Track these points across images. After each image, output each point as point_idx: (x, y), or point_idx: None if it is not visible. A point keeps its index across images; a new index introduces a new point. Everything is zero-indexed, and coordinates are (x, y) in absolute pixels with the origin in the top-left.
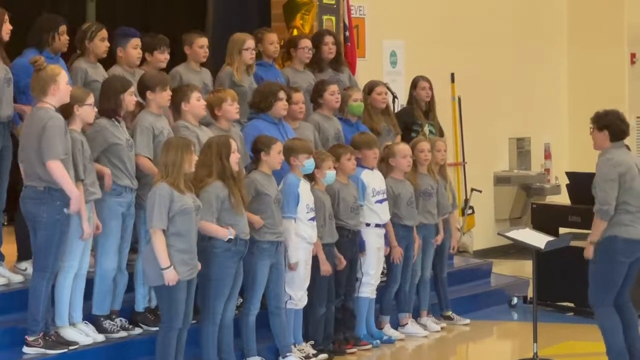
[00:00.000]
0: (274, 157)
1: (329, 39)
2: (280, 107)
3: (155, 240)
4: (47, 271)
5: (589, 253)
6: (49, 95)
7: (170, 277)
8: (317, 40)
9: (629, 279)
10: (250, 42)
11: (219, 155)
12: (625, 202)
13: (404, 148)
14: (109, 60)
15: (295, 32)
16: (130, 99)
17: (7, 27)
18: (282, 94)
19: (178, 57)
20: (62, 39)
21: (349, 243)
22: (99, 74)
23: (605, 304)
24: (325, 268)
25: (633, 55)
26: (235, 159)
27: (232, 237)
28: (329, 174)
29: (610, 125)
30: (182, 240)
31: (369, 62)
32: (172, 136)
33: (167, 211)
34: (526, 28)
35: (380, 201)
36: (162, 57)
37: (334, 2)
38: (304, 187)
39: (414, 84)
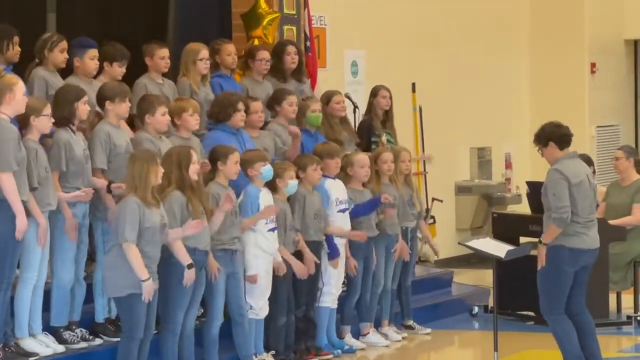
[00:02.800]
0: (231, 167)
1: (291, 49)
2: (239, 118)
3: (130, 255)
4: (3, 282)
5: (542, 257)
6: (3, 105)
7: (149, 289)
8: (279, 50)
9: (578, 287)
10: (204, 52)
11: (179, 165)
12: (573, 213)
13: (362, 158)
14: (66, 71)
15: (256, 42)
16: (84, 108)
17: None
18: (240, 105)
19: (139, 67)
20: (15, 49)
21: (312, 253)
22: (59, 83)
23: (555, 312)
24: (300, 271)
25: (593, 65)
26: (194, 170)
27: (192, 264)
28: (291, 184)
29: (551, 137)
30: (143, 252)
31: (330, 72)
32: (137, 149)
33: (138, 224)
34: (488, 38)
35: (342, 211)
36: (120, 70)
37: (294, 12)
38: (265, 197)
39: (374, 93)
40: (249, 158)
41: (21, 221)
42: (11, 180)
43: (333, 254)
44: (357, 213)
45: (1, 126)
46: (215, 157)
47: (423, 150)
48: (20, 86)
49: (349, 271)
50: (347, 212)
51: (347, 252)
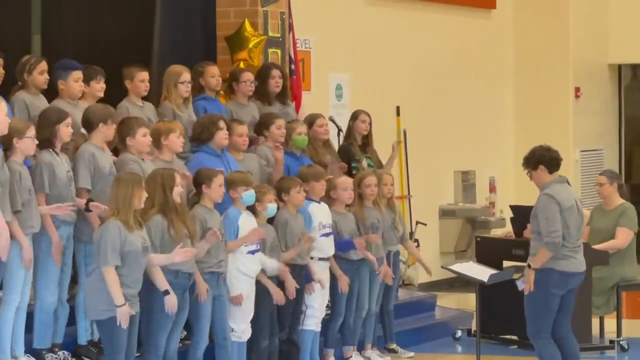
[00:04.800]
0: (215, 190)
1: (275, 73)
2: (222, 136)
3: (108, 278)
4: None
5: (530, 281)
6: None
7: (125, 314)
8: (264, 73)
9: (565, 310)
10: (185, 75)
11: (163, 187)
12: (564, 237)
13: (345, 181)
14: (52, 92)
15: (241, 65)
16: (65, 130)
17: None
18: (222, 124)
19: (123, 89)
20: None
21: (295, 275)
22: (42, 105)
23: (542, 335)
24: (277, 296)
25: (577, 90)
26: (178, 192)
27: (168, 291)
28: (270, 207)
29: (541, 160)
30: (125, 275)
31: (315, 95)
32: (123, 171)
33: (119, 248)
34: (472, 61)
35: (326, 234)
36: (99, 86)
37: (279, 35)
38: (245, 220)
39: (354, 117)
40: (233, 180)
41: (3, 239)
42: None
43: (348, 246)
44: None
45: None
46: (200, 180)
47: (407, 173)
48: (2, 107)
49: (342, 288)
50: (331, 236)
51: (338, 271)
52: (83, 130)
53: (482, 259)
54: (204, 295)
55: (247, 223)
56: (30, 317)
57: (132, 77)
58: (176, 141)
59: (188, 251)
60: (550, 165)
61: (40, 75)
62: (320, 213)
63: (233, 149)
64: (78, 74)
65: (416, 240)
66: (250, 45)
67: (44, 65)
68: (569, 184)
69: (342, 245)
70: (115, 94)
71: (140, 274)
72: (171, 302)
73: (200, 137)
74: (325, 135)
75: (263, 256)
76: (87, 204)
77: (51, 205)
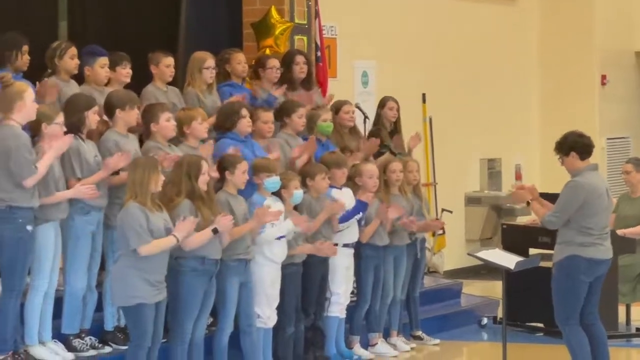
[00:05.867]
0: (239, 176)
1: (300, 59)
2: (244, 124)
3: (151, 249)
4: (15, 290)
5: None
6: (14, 112)
7: (182, 228)
8: (288, 60)
9: (593, 297)
10: (210, 61)
11: (188, 175)
12: (589, 227)
13: (370, 168)
14: (77, 79)
15: (267, 52)
16: (93, 117)
17: None
18: (244, 112)
19: (149, 75)
20: (24, 59)
21: (319, 262)
22: (72, 91)
23: (570, 322)
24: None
25: (604, 77)
26: (204, 180)
27: (217, 229)
28: (296, 194)
29: (573, 147)
30: (151, 262)
31: (341, 82)
32: (139, 156)
33: (146, 227)
34: (498, 49)
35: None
36: (125, 72)
37: (305, 22)
38: (271, 206)
39: (382, 104)
40: (257, 166)
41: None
42: (34, 178)
43: (361, 208)
44: (345, 218)
45: (12, 133)
46: (224, 166)
47: (433, 161)
48: (29, 93)
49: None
50: (354, 222)
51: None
52: (104, 117)
53: (508, 247)
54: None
55: (272, 209)
56: (59, 302)
57: (158, 63)
58: (199, 127)
59: (187, 222)
60: (583, 152)
61: (71, 60)
62: (344, 199)
63: (258, 136)
64: (104, 60)
65: (442, 228)
66: (277, 32)
67: (74, 50)
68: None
69: (357, 208)
70: (140, 80)
71: (166, 259)
72: (225, 225)
73: (223, 125)
74: (351, 122)
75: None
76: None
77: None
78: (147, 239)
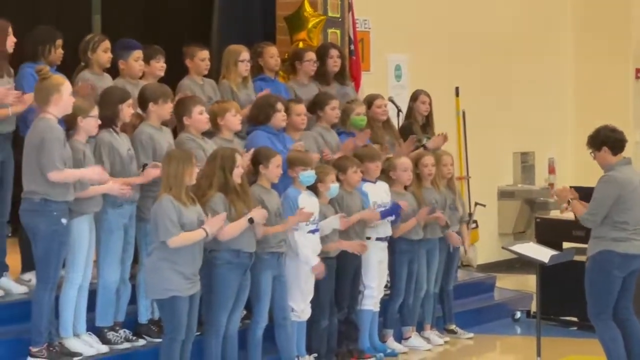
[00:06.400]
0: (273, 170)
1: (334, 52)
2: (279, 118)
3: (181, 241)
4: (49, 282)
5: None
6: (51, 105)
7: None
8: (322, 53)
9: (627, 292)
10: (245, 54)
11: (222, 168)
12: (623, 221)
13: (404, 161)
14: (113, 71)
15: (300, 45)
16: (127, 110)
17: (11, 40)
18: (279, 106)
19: (183, 69)
20: (58, 53)
21: (352, 256)
22: (106, 84)
23: (602, 317)
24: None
25: (638, 71)
26: (238, 173)
27: (252, 219)
28: (333, 187)
29: (605, 142)
30: (184, 255)
31: (374, 76)
32: (173, 148)
33: (177, 220)
34: (531, 42)
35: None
36: (159, 65)
37: (339, 15)
38: (305, 199)
39: (414, 98)
40: (292, 159)
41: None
42: (60, 174)
43: (393, 210)
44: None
45: (48, 126)
46: (258, 160)
47: (466, 154)
48: (66, 86)
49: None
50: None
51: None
52: (139, 110)
53: (542, 240)
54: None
55: (306, 203)
56: (93, 295)
57: (193, 56)
58: (233, 120)
59: (217, 218)
60: (614, 147)
61: (104, 53)
62: (375, 193)
63: (292, 129)
64: (138, 54)
65: (475, 222)
66: (310, 25)
67: (107, 43)
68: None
69: (390, 210)
70: (173, 74)
71: (199, 251)
72: (260, 216)
73: (257, 118)
74: (384, 116)
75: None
76: (142, 169)
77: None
78: (176, 232)
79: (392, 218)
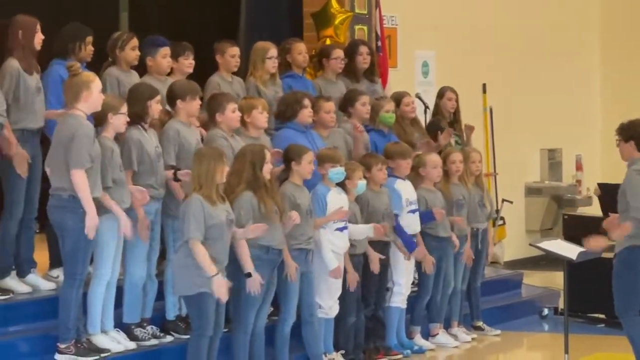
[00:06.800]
0: (305, 166)
1: (363, 49)
2: (306, 114)
3: (196, 252)
4: (76, 279)
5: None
6: (80, 102)
7: (220, 283)
8: (351, 50)
9: None
10: (272, 51)
11: (252, 164)
12: None
13: (434, 158)
14: (141, 69)
15: (327, 42)
16: (156, 106)
17: (39, 37)
18: (306, 102)
19: (209, 66)
20: (88, 50)
21: (379, 252)
22: (133, 81)
23: (630, 313)
24: (352, 278)
25: None
26: (268, 169)
27: (250, 274)
28: (360, 184)
29: (634, 136)
30: (212, 251)
31: (401, 73)
32: (204, 146)
33: (203, 221)
34: (559, 39)
35: (412, 211)
36: (187, 62)
37: (366, 12)
38: (334, 196)
39: (441, 95)
40: (321, 156)
41: (91, 218)
42: (83, 178)
43: (410, 247)
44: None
45: (77, 123)
46: (290, 156)
47: (493, 151)
48: (96, 83)
49: (426, 269)
50: (417, 213)
51: (423, 250)
52: (168, 107)
53: (569, 237)
54: (294, 275)
55: (335, 200)
56: (119, 292)
57: (223, 52)
58: (259, 117)
59: (262, 226)
60: None
61: (132, 51)
62: (406, 190)
63: (320, 126)
64: (166, 50)
65: (502, 218)
66: (336, 22)
67: (135, 41)
68: None
69: (423, 217)
70: (200, 71)
71: (226, 248)
72: (253, 285)
73: (284, 114)
74: (412, 113)
75: (353, 226)
76: (174, 173)
77: (140, 180)
78: (199, 235)
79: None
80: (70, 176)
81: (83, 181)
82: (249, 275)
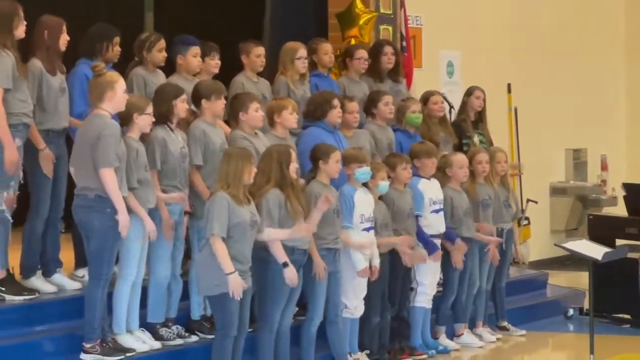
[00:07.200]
0: (332, 166)
1: (388, 49)
2: (335, 114)
3: (216, 248)
4: (102, 279)
5: None
6: (105, 102)
7: (236, 282)
8: (376, 50)
9: None
10: (302, 51)
11: (279, 163)
12: None
13: (461, 158)
14: (167, 68)
15: (352, 42)
16: (182, 106)
17: (65, 38)
18: (336, 102)
19: (234, 66)
20: (115, 50)
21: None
22: (159, 81)
23: None
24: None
25: None
26: (294, 168)
27: (287, 263)
28: (382, 185)
29: None
30: (234, 251)
31: (426, 72)
32: (232, 146)
33: (227, 219)
34: (583, 38)
35: (436, 211)
36: (214, 62)
37: (391, 12)
38: (361, 196)
39: (469, 93)
40: (348, 156)
41: (123, 216)
42: (112, 176)
43: (431, 249)
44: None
45: (103, 122)
46: (317, 155)
47: (518, 151)
48: (121, 84)
49: (456, 264)
50: (441, 213)
51: (439, 253)
52: (192, 107)
53: (594, 237)
54: (322, 274)
55: (362, 200)
56: (144, 292)
57: (249, 53)
58: (289, 118)
59: (309, 226)
60: None
61: (159, 52)
62: (430, 189)
63: (344, 127)
64: (196, 50)
65: (527, 218)
66: (361, 22)
67: (162, 43)
68: None
69: (447, 235)
70: (225, 70)
71: (249, 249)
72: (291, 274)
73: (313, 114)
74: (440, 113)
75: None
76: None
77: (164, 180)
78: (222, 232)
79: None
80: (99, 175)
81: (112, 180)
82: (286, 264)
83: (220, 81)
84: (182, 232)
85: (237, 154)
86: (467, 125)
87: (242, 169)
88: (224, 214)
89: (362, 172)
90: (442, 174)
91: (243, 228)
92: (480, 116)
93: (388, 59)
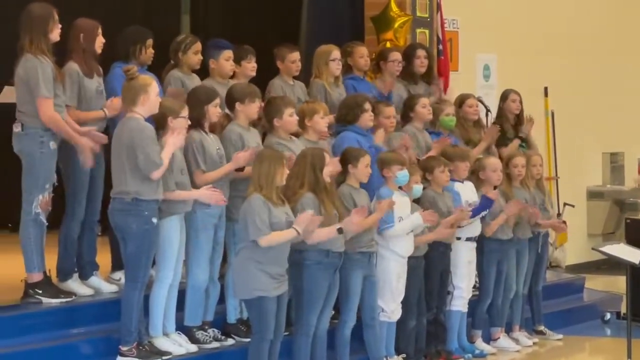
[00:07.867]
0: (362, 170)
1: (421, 53)
2: (367, 118)
3: (271, 240)
4: (139, 282)
5: None
6: (138, 105)
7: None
8: (409, 53)
9: None
10: (335, 53)
11: (313, 167)
12: None
13: (494, 162)
14: (202, 71)
15: (387, 45)
16: (214, 110)
17: (100, 40)
18: (367, 105)
19: (270, 69)
20: (148, 52)
21: (440, 255)
22: (195, 84)
23: None
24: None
25: None
26: (328, 172)
27: (341, 229)
28: (416, 189)
29: None
30: (270, 254)
31: (462, 76)
32: (265, 149)
33: (268, 218)
34: (620, 40)
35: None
36: (250, 66)
37: (427, 15)
38: (398, 199)
39: (504, 97)
40: (388, 159)
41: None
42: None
43: (485, 205)
44: (472, 214)
45: (139, 125)
46: (346, 159)
47: (555, 155)
48: (154, 87)
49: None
50: (476, 216)
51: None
52: (226, 110)
53: (632, 241)
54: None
55: (400, 202)
56: (181, 294)
57: (284, 58)
58: (320, 122)
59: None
60: None
61: (194, 55)
62: (465, 192)
63: (379, 130)
64: (229, 53)
65: (564, 222)
66: (396, 25)
67: (198, 45)
68: None
69: (482, 206)
70: (261, 73)
71: (287, 251)
72: (351, 226)
73: (345, 118)
74: (475, 116)
75: (400, 224)
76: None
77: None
78: (267, 231)
79: (486, 212)
80: (153, 179)
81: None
82: (341, 230)
83: (255, 84)
84: (221, 236)
85: (268, 156)
86: (507, 129)
87: (275, 171)
88: (263, 213)
89: (403, 174)
90: (475, 177)
91: (280, 229)
92: (519, 119)
93: (421, 62)
